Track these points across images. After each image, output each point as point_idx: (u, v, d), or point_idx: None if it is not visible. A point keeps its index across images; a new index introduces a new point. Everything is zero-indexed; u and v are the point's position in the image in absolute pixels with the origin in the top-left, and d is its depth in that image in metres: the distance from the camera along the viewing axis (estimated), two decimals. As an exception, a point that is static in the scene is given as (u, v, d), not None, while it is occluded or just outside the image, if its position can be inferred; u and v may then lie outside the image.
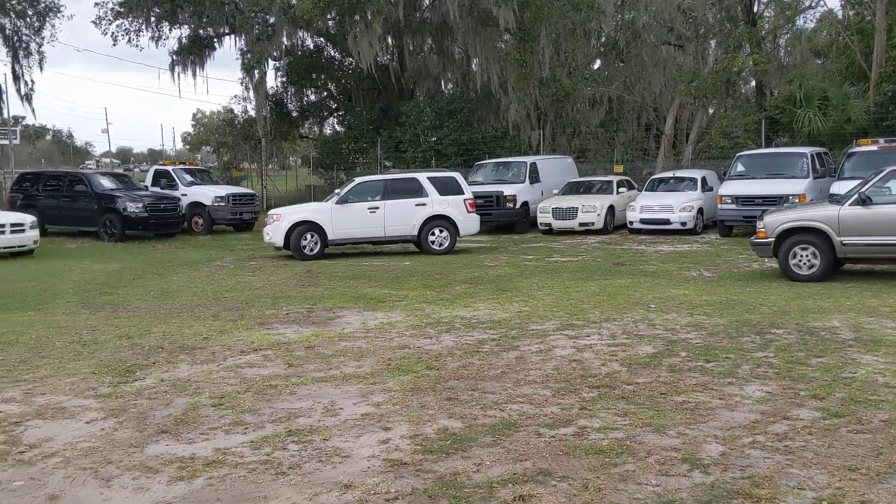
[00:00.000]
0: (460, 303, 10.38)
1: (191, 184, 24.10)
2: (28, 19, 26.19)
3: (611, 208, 20.44)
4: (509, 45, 28.62)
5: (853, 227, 11.01)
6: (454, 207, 16.94)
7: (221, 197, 23.30)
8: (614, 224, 20.59)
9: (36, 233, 18.00)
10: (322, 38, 34.18)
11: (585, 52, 29.58)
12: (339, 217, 16.35)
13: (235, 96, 75.69)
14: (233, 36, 31.66)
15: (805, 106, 23.29)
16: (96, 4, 30.95)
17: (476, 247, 18.35)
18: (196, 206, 23.06)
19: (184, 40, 32.19)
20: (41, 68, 47.20)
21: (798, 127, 23.22)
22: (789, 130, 24.87)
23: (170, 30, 32.27)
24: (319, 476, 4.52)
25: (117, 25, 31.34)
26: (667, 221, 19.27)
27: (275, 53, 31.96)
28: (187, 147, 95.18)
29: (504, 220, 21.50)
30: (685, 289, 11.10)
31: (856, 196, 11.15)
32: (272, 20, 30.02)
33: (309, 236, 16.27)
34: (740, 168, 19.01)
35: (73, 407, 5.95)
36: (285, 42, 32.33)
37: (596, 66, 32.24)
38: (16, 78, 27.00)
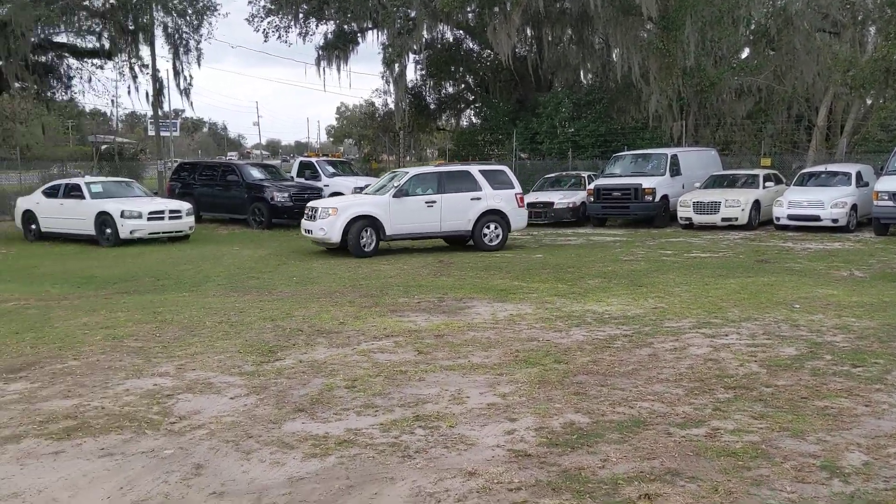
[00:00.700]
0: (593, 297, 10.23)
1: (332, 175, 25.00)
2: (188, 18, 27.85)
3: (756, 203, 19.51)
4: (652, 34, 27.81)
5: None
6: (506, 202, 16.44)
7: (361, 188, 23.96)
8: (759, 220, 19.65)
9: (192, 219, 19.22)
10: (461, 31, 34.53)
11: (733, 40, 28.23)
12: (397, 211, 15.52)
13: (376, 89, 77.80)
14: (375, 30, 32.52)
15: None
16: (249, 2, 32.66)
17: (611, 240, 18.02)
18: (337, 197, 23.86)
19: (329, 36, 33.45)
20: (199, 64, 50.38)
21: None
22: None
23: (316, 26, 33.58)
24: (444, 462, 4.60)
25: (268, 22, 32.96)
26: (816, 218, 18.20)
27: (415, 47, 32.56)
28: (331, 139, 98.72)
29: (642, 213, 20.97)
30: (833, 289, 10.46)
31: None
32: (413, 14, 30.57)
33: (367, 232, 15.31)
34: (899, 162, 17.68)
35: (219, 383, 6.34)
36: (425, 35, 32.86)
37: (744, 55, 30.78)
38: (176, 73, 28.81)
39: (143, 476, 4.47)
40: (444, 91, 37.70)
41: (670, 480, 4.21)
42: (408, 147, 37.05)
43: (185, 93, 29.60)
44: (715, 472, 4.31)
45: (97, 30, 27.67)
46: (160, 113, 33.54)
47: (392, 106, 35.43)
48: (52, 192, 19.57)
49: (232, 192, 22.77)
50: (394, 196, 15.53)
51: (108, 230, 18.03)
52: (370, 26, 32.74)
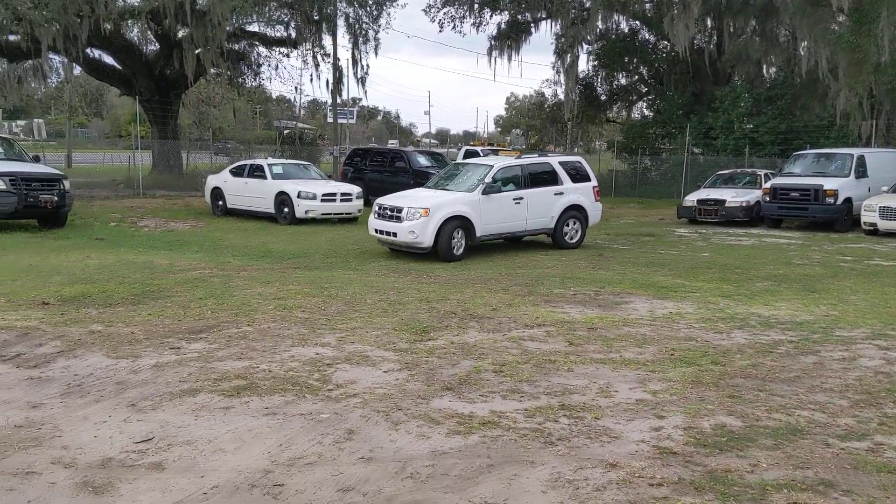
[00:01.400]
0: (759, 300, 9.76)
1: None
2: (368, 8, 28.98)
3: (955, 210, 17.77)
4: (843, 26, 25.92)
5: None
6: (585, 196, 15.29)
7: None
8: (959, 229, 17.89)
9: (361, 202, 20.07)
10: (637, 21, 33.76)
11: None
12: (487, 210, 13.80)
13: (546, 80, 77.47)
14: (549, 20, 32.45)
15: None
16: (427, -7, 33.56)
17: (785, 243, 17.04)
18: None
19: (502, 26, 33.78)
20: (375, 54, 52.23)
21: None
22: None
23: (490, 16, 34.00)
24: (586, 451, 4.59)
25: (444, 12, 33.74)
26: None
27: (588, 37, 32.20)
28: (499, 130, 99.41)
29: (821, 216, 19.64)
30: None
31: None
32: (588, 4, 30.21)
33: (458, 233, 13.47)
34: None
35: (374, 356, 6.63)
36: (599, 26, 32.44)
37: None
38: (354, 62, 30.08)
39: (301, 436, 4.79)
40: (615, 82, 37.05)
41: (823, 491, 3.99)
42: (575, 138, 36.67)
43: (362, 81, 30.91)
44: (873, 487, 4.04)
45: (285, 19, 29.44)
46: (339, 101, 35.15)
47: (562, 96, 35.31)
48: (238, 172, 21.05)
49: (399, 177, 23.48)
50: (483, 193, 13.76)
51: (286, 209, 19.18)
52: (544, 16, 32.72)
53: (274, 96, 57.01)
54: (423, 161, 24.05)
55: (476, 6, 33.51)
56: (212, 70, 29.58)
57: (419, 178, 22.73)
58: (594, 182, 15.71)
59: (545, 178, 14.86)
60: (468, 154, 26.26)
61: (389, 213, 13.67)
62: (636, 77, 36.82)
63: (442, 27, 34.46)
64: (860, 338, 7.60)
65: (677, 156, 30.10)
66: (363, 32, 29.39)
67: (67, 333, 7.25)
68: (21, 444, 4.57)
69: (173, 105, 30.79)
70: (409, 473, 4.25)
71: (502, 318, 8.29)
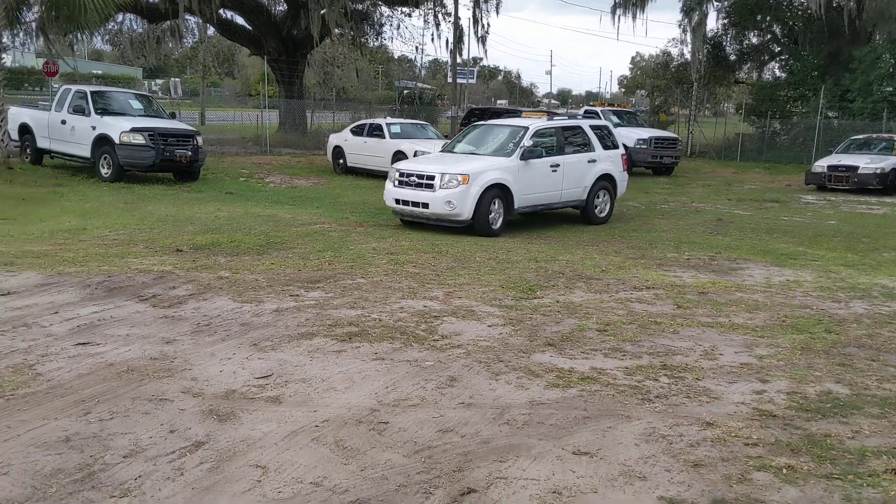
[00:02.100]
0: (885, 270, 9.33)
1: (616, 125, 24.68)
2: (493, -35, 28.86)
3: None
4: None
5: None
6: (615, 165, 13.67)
7: (644, 139, 23.55)
8: None
9: (476, 162, 20.18)
10: (771, -23, 32.00)
11: None
12: (524, 177, 12.00)
13: (673, 39, 74.72)
14: (676, -23, 31.23)
15: None
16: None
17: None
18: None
19: (628, -19, 32.69)
20: (497, 12, 51.79)
21: None
22: None
23: (615, -29, 32.96)
24: (683, 410, 4.64)
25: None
26: None
27: (718, -6, 30.82)
28: (622, 90, 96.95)
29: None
30: None
31: None
32: (718, -41, 28.87)
33: (495, 204, 11.68)
34: None
35: (480, 311, 6.83)
36: (731, -19, 30.95)
37: None
38: (475, 21, 30.04)
39: (406, 380, 5.05)
40: (746, 42, 35.31)
41: (927, 462, 3.91)
42: (701, 100, 35.36)
43: (482, 40, 30.80)
44: (984, 463, 3.92)
45: (407, -21, 29.66)
46: (459, 60, 35.25)
47: (688, 56, 34.02)
48: (357, 131, 21.60)
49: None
50: (521, 158, 11.94)
51: (403, 168, 19.56)
52: (671, -27, 31.49)
53: (396, 56, 57.72)
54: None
55: (600, -38, 32.68)
56: (336, 30, 30.22)
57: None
58: (622, 150, 14.19)
59: (579, 143, 13.32)
60: (586, 114, 25.84)
61: (417, 180, 11.75)
62: (768, 36, 34.96)
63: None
64: None
65: (809, 119, 28.60)
66: (486, -9, 29.28)
67: (198, 278, 7.82)
68: (156, 375, 5.04)
69: (299, 65, 31.71)
70: (507, 420, 4.43)
71: (610, 280, 8.31)
